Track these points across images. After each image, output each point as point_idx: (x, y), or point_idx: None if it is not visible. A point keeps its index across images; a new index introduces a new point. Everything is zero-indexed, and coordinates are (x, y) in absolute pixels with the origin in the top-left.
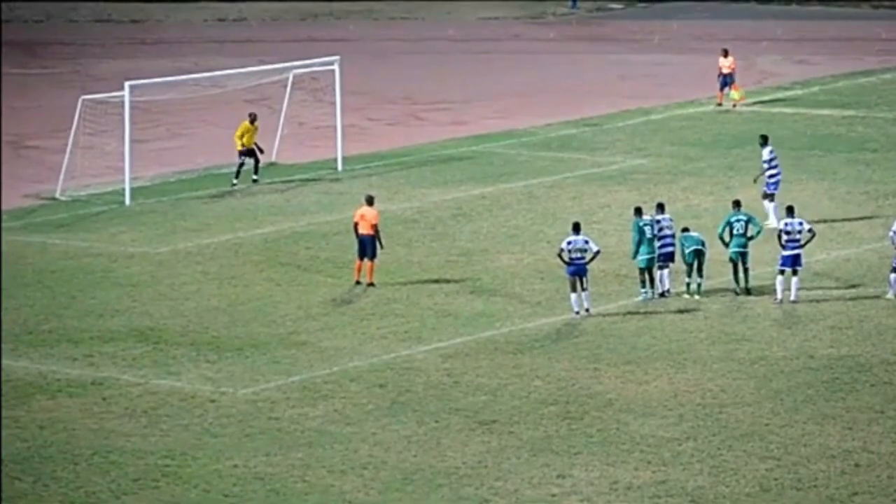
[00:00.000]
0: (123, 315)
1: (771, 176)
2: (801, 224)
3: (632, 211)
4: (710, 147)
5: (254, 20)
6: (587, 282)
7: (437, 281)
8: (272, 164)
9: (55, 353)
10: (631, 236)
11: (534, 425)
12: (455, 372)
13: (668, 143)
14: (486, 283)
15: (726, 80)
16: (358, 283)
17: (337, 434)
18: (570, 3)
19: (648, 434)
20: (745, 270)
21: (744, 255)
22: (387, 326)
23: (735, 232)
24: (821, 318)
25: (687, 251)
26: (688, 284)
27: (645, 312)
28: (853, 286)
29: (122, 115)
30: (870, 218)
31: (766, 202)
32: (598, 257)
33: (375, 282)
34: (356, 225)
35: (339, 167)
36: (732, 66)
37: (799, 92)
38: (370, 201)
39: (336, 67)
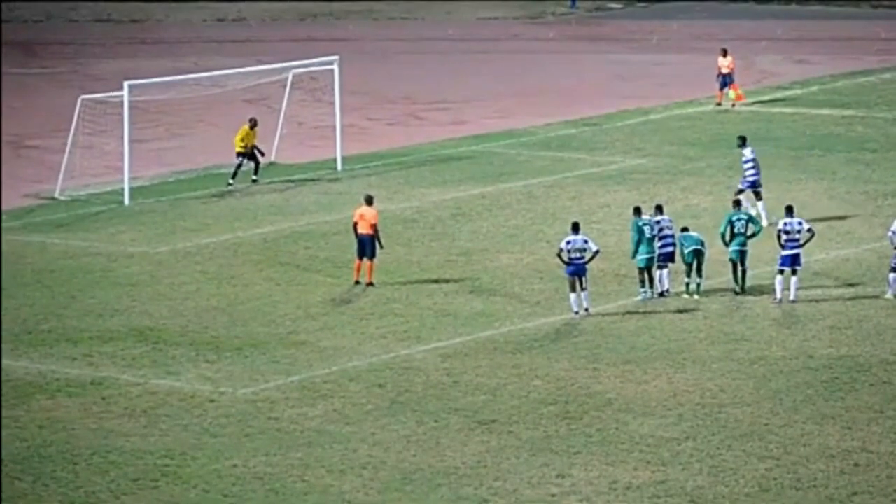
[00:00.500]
0: (123, 315)
1: (749, 174)
2: (800, 224)
3: (631, 211)
4: (709, 147)
5: (253, 20)
6: (586, 281)
7: (436, 281)
8: (271, 163)
9: (54, 353)
10: (630, 236)
11: (533, 425)
12: (454, 372)
13: (668, 143)
14: (486, 282)
15: (725, 80)
16: (357, 282)
17: (336, 434)
18: (569, 3)
19: (648, 434)
20: (743, 271)
21: (743, 255)
22: (386, 326)
23: (736, 231)
24: (820, 318)
25: (686, 251)
26: (687, 284)
27: (644, 312)
28: (852, 286)
29: (121, 114)
30: (869, 218)
31: (756, 202)
32: (598, 257)
33: (375, 281)
34: (355, 225)
35: (339, 167)
36: (731, 66)
37: (798, 91)
38: (369, 201)
39: (335, 67)
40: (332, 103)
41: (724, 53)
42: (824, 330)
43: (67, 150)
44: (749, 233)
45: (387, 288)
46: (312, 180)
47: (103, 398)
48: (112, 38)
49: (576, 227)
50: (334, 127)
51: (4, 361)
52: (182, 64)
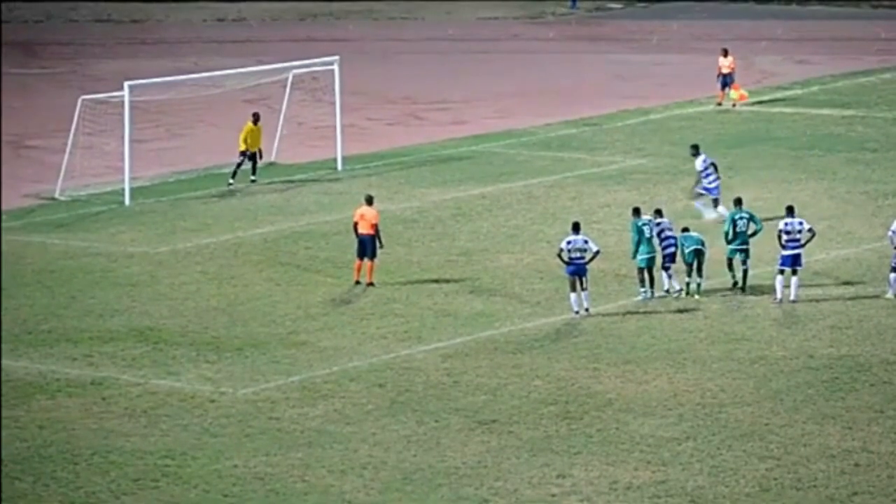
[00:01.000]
0: (123, 315)
1: (709, 182)
2: (801, 224)
3: (630, 211)
4: (709, 147)
5: (253, 20)
6: (587, 281)
7: (436, 281)
8: (272, 163)
9: (55, 353)
10: (630, 236)
11: (533, 425)
12: (455, 372)
13: (668, 143)
14: (486, 282)
15: (726, 80)
16: (357, 282)
17: (337, 434)
18: (569, 3)
19: (648, 434)
20: (744, 270)
21: (745, 253)
22: (386, 326)
23: (738, 229)
24: (820, 318)
25: (687, 251)
26: (688, 284)
27: (644, 312)
28: (853, 286)
29: (121, 114)
30: (869, 217)
31: (715, 207)
32: (598, 257)
33: (375, 281)
34: (356, 225)
35: (339, 167)
36: (732, 66)
37: (798, 92)
38: (370, 201)
39: (335, 67)
40: (333, 103)
41: (725, 53)
42: (825, 330)
43: (68, 150)
44: (751, 231)
45: (387, 288)
46: (313, 180)
47: (103, 398)
48: (112, 38)
49: (576, 228)
50: (334, 127)
51: (5, 361)
52: (182, 64)
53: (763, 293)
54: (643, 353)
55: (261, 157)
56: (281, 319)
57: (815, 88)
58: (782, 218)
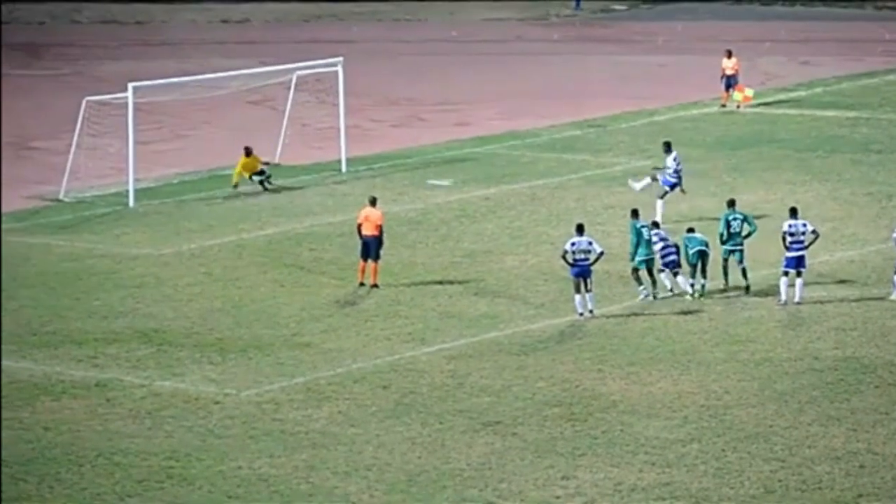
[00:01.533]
0: (127, 316)
1: (670, 175)
2: (804, 225)
3: (637, 213)
4: (713, 148)
5: (257, 22)
6: (591, 283)
7: (440, 282)
8: (276, 165)
9: (59, 355)
10: (629, 238)
11: (538, 427)
12: (459, 373)
13: (672, 145)
14: (490, 284)
15: (730, 82)
16: (362, 284)
17: (341, 436)
18: (573, 5)
19: (653, 436)
20: (743, 269)
21: (740, 253)
22: (391, 328)
23: (732, 230)
24: (825, 320)
25: (691, 252)
26: (692, 286)
27: (649, 314)
28: (857, 287)
29: (125, 116)
30: (874, 219)
31: (659, 200)
32: (602, 259)
33: (379, 283)
34: (360, 226)
35: (343, 168)
36: (736, 67)
37: (803, 93)
38: (373, 202)
39: (339, 69)
40: (337, 105)
41: (729, 55)
42: (829, 331)
43: (72, 151)
44: (745, 233)
45: (391, 290)
46: (317, 182)
47: (108, 400)
48: (116, 39)
49: (580, 229)
50: (338, 128)
51: (8, 363)
52: (186, 65)
53: (767, 295)
54: (648, 354)
55: (263, 173)
56: (285, 321)
57: (819, 90)
58: (786, 220)
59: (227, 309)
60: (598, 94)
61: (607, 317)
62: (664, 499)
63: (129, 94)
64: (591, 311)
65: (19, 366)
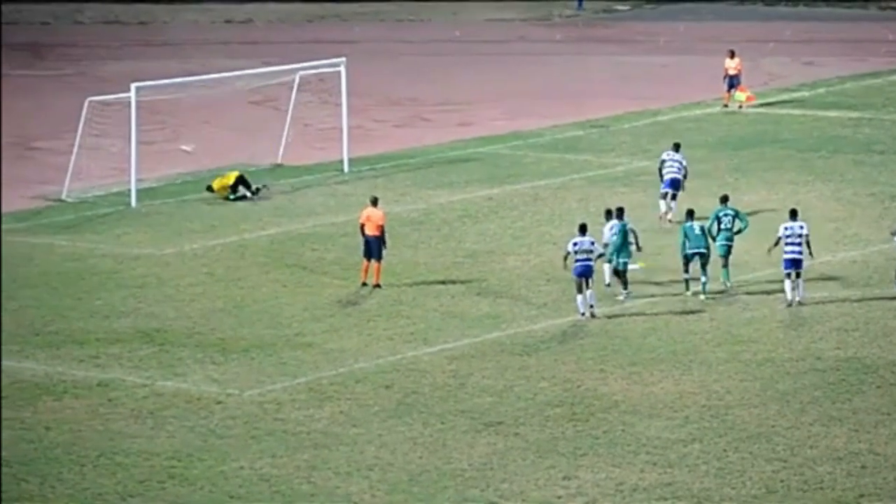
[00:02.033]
0: (129, 316)
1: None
2: (801, 227)
3: (623, 212)
4: (716, 148)
5: (260, 22)
6: (593, 283)
7: (443, 282)
8: (278, 165)
9: (61, 355)
10: (614, 240)
11: (540, 427)
12: (461, 373)
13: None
14: (493, 284)
15: (732, 82)
16: (364, 284)
17: (343, 436)
18: (576, 5)
19: (654, 436)
20: (725, 266)
21: (728, 249)
22: (393, 328)
23: (723, 226)
24: (827, 320)
25: (690, 252)
26: (686, 281)
27: (651, 314)
28: (859, 288)
29: (128, 116)
30: (877, 220)
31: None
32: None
33: (382, 283)
34: (362, 226)
35: (345, 169)
36: (739, 68)
37: (806, 93)
38: (375, 202)
39: (342, 69)
40: (339, 105)
41: (732, 55)
42: (831, 332)
43: (74, 151)
44: (735, 229)
45: (394, 290)
46: (319, 182)
47: (110, 399)
48: (118, 39)
49: (583, 229)
50: (341, 129)
51: (10, 363)
52: (189, 66)
53: (768, 294)
54: (649, 354)
55: (243, 181)
56: (287, 321)
57: (822, 90)
58: (785, 221)
59: (230, 309)
60: (601, 95)
61: (609, 317)
62: (666, 499)
63: (132, 94)
64: (592, 312)
65: (21, 366)
